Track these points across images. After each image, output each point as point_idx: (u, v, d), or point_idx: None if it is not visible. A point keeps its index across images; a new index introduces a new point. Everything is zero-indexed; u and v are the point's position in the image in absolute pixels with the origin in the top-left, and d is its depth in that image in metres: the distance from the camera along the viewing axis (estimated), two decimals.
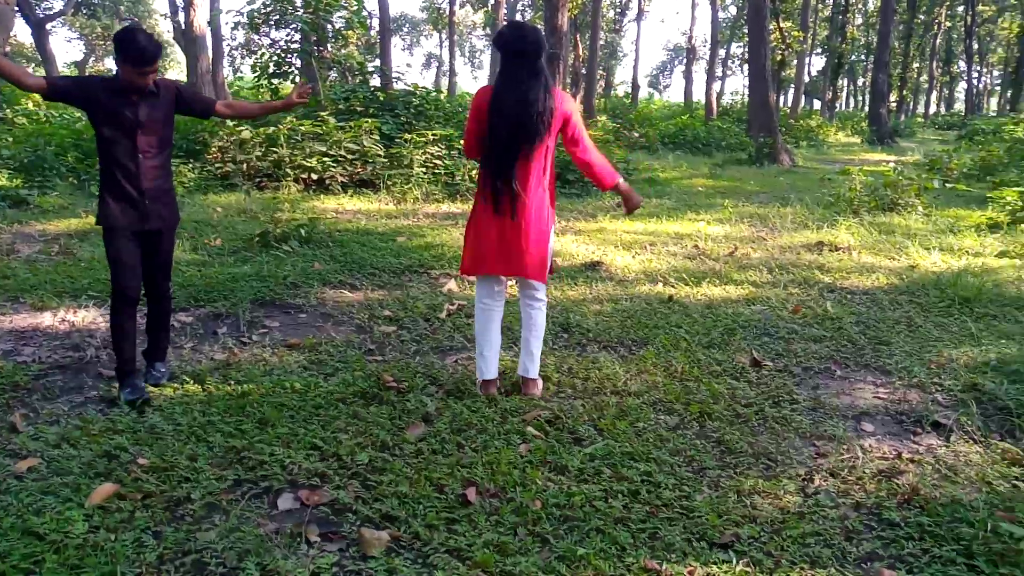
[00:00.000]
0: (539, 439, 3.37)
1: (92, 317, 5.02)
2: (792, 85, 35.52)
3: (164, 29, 43.34)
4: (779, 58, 28.17)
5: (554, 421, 3.56)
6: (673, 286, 6.16)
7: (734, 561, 2.54)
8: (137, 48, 3.42)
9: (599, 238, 8.17)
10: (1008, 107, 50.24)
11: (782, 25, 27.98)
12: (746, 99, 31.47)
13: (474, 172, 10.78)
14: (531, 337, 3.81)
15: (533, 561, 2.49)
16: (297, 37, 14.14)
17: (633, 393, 3.94)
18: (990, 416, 3.74)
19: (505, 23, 3.66)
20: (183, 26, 17.65)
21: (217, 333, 4.84)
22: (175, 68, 45.16)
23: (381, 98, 12.82)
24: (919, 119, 50.81)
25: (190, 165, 10.72)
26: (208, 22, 16.50)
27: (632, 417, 3.62)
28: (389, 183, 10.80)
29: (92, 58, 44.34)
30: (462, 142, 3.72)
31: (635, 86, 42.51)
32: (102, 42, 43.22)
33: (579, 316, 5.27)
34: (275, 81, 14.34)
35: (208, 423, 3.42)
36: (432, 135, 11.42)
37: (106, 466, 3.03)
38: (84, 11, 41.45)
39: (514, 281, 4.15)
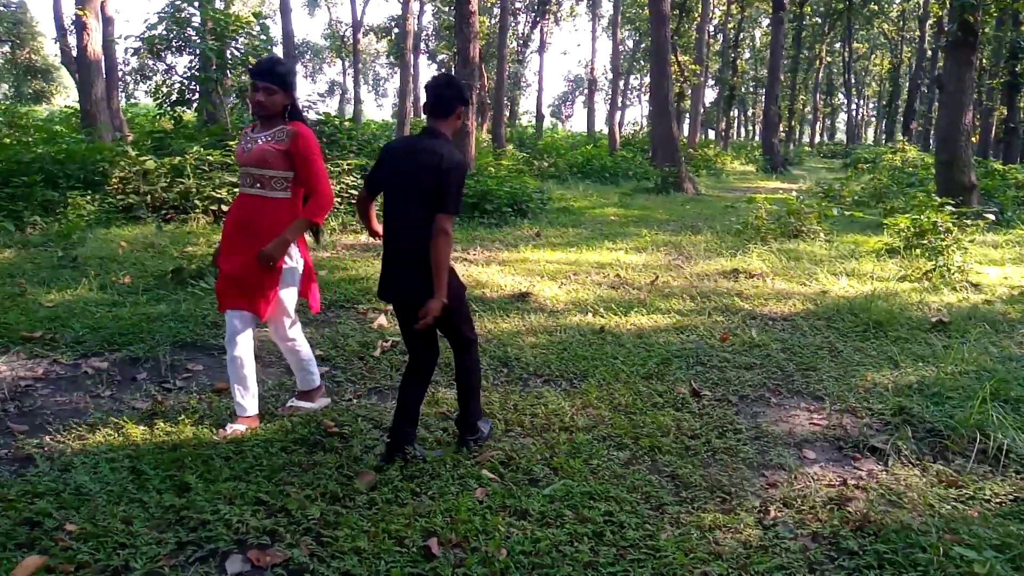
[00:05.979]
0: (495, 482, 3.29)
1: None
2: (689, 116, 36.89)
3: (50, 52, 41.24)
4: (677, 90, 29.27)
5: (507, 462, 3.50)
6: (603, 316, 6.21)
7: None
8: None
9: (524, 268, 8.18)
10: (884, 136, 53.98)
11: (680, 59, 29.10)
12: (647, 129, 32.52)
13: None
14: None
15: None
16: (199, 64, 13.67)
17: (582, 428, 3.92)
18: (921, 439, 3.90)
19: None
20: (74, 50, 16.74)
21: (136, 379, 4.54)
22: (63, 94, 42.76)
23: None
24: (806, 148, 53.72)
25: (89, 196, 10.12)
26: (103, 47, 15.70)
27: (585, 454, 3.60)
28: None
29: None
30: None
31: (540, 116, 43.14)
32: None
33: (516, 349, 5.23)
34: (177, 109, 13.78)
35: (140, 480, 3.18)
36: (347, 164, 11.22)
37: (29, 535, 2.76)
38: None
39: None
